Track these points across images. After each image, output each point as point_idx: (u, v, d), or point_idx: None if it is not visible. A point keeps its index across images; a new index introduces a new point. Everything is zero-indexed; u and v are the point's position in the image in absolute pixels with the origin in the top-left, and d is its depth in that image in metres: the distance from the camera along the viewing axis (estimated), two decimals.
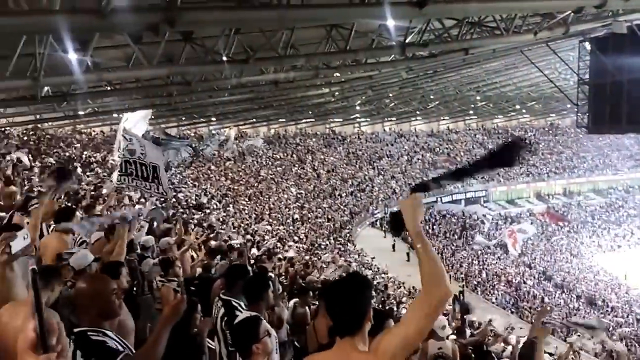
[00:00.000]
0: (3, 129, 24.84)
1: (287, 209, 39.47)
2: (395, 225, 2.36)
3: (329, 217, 40.68)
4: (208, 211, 27.45)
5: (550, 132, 62.47)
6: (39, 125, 27.86)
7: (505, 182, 52.92)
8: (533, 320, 11.10)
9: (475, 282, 35.68)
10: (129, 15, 7.59)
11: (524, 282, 36.71)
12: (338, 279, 2.46)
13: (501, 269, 38.46)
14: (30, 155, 17.17)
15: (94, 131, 35.16)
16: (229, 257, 8.64)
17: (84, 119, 27.68)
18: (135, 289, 5.69)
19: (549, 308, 14.25)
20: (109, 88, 18.27)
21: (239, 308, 4.32)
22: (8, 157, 14.11)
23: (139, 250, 6.59)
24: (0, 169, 12.18)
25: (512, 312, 31.25)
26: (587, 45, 22.63)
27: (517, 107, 49.36)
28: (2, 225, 5.42)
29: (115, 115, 26.01)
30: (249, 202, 38.01)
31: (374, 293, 3.09)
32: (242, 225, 29.49)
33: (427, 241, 2.18)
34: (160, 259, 6.04)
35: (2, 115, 22.90)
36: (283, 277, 12.89)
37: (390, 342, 2.05)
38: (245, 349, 3.19)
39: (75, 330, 2.62)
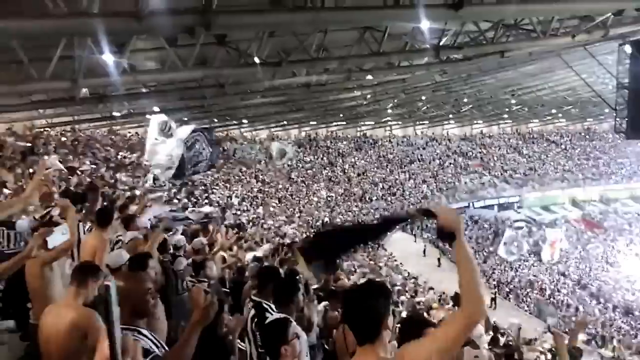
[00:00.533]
0: (42, 129, 25.54)
1: (317, 212, 39.48)
2: (443, 233, 2.28)
3: (359, 220, 40.51)
4: (239, 213, 27.68)
5: (587, 137, 60.98)
6: (76, 127, 28.56)
7: (540, 188, 51.82)
8: (569, 330, 10.83)
9: (508, 290, 35.01)
10: (165, 18, 7.71)
11: (558, 291, 35.85)
12: (354, 286, 2.44)
13: (534, 276, 37.65)
14: (69, 156, 17.58)
15: (129, 132, 35.86)
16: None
17: (120, 121, 28.26)
18: (168, 288, 5.76)
19: (587, 320, 13.87)
20: (144, 90, 18.61)
21: (269, 310, 4.32)
22: (45, 157, 14.46)
23: (171, 250, 6.66)
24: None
25: (545, 321, 30.52)
26: (627, 49, 21.97)
27: (553, 111, 48.43)
28: (41, 222, 5.55)
29: (149, 117, 26.47)
30: (279, 205, 38.17)
31: (391, 301, 3.04)
32: (273, 227, 29.61)
33: (469, 250, 2.12)
34: (192, 259, 6.09)
35: (42, 116, 23.53)
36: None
37: (419, 354, 2.02)
38: (274, 350, 3.22)
39: None
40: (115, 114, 25.26)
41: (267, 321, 3.63)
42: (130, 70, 13.98)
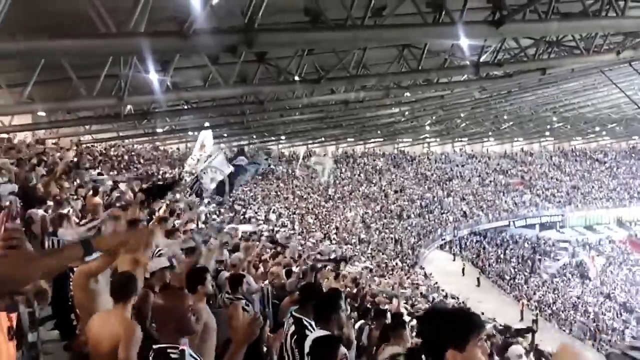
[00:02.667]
0: (88, 145, 26.35)
1: (353, 228, 39.33)
2: None
3: (396, 238, 40.15)
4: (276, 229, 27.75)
5: (633, 155, 58.98)
6: (120, 142, 29.36)
7: (583, 207, 50.32)
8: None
9: (550, 311, 33.99)
10: (209, 37, 7.90)
11: (603, 314, 34.56)
12: (429, 309, 2.41)
13: (577, 298, 36.44)
14: (112, 171, 18.04)
15: (170, 148, 36.65)
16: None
17: (162, 136, 28.94)
18: (211, 301, 5.80)
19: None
20: (186, 107, 19.04)
21: (309, 327, 4.29)
22: (92, 172, 14.89)
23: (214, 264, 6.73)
24: (85, 183, 12.86)
25: (592, 345, 29.44)
26: None
27: (597, 128, 47.24)
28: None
29: (190, 133, 27.08)
30: (316, 220, 38.20)
31: (472, 333, 2.90)
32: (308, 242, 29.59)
33: None
34: (230, 275, 6.12)
35: (87, 132, 24.32)
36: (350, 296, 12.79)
37: None
38: None
39: (155, 346, 2.65)
40: (158, 130, 25.88)
41: (315, 336, 3.62)
42: (173, 87, 14.34)
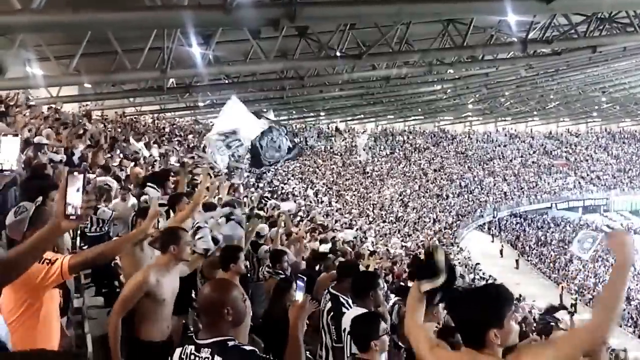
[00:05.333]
0: (133, 117, 26.90)
1: (390, 207, 39.16)
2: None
3: (434, 217, 39.80)
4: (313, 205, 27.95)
5: None
6: (163, 115, 29.86)
7: (630, 191, 48.62)
8: None
9: (590, 296, 33.23)
10: (251, 11, 7.87)
11: None
12: (468, 288, 2.37)
13: None
14: (155, 143, 18.36)
15: (211, 122, 37.03)
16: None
17: (203, 110, 29.25)
18: (250, 274, 5.88)
19: None
20: (227, 81, 19.16)
21: (346, 305, 4.30)
22: (136, 144, 15.18)
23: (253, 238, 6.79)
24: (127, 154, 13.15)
25: (633, 332, 28.73)
26: None
27: None
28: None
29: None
30: (353, 197, 38.19)
31: (506, 310, 2.82)
32: (347, 219, 29.68)
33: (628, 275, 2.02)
34: (272, 250, 6.16)
35: (131, 104, 24.80)
36: (384, 274, 12.80)
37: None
38: (364, 344, 3.25)
39: (211, 340, 2.40)
40: (199, 103, 26.18)
41: (355, 314, 3.64)
42: (215, 61, 14.44)
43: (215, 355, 2.33)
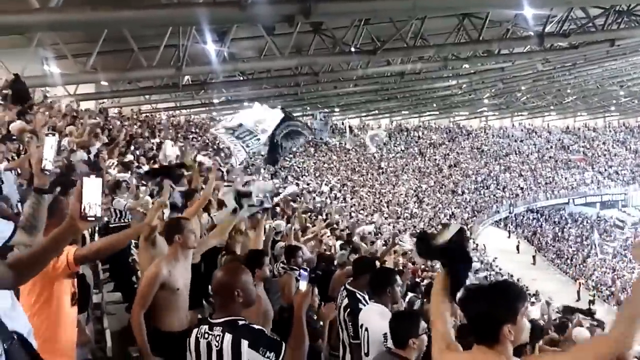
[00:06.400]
0: (149, 114, 27.10)
1: (405, 203, 39.02)
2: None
3: (450, 213, 39.59)
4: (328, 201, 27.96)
5: None
6: (178, 112, 30.02)
7: None
8: None
9: (608, 292, 32.85)
10: (266, 7, 7.88)
11: None
12: (478, 284, 2.35)
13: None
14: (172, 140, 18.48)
15: (225, 119, 37.12)
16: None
17: (218, 107, 29.37)
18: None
19: None
20: (241, 78, 19.22)
21: (363, 301, 4.29)
22: (152, 140, 15.31)
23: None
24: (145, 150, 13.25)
25: None
26: None
27: None
28: None
29: (245, 104, 27.37)
30: (368, 193, 38.11)
31: (521, 306, 2.79)
32: (361, 215, 29.64)
33: None
34: (287, 246, 6.17)
35: (148, 101, 24.99)
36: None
37: None
38: (403, 341, 3.26)
39: (223, 319, 2.60)
40: (214, 100, 26.29)
41: (395, 312, 3.66)
42: (230, 58, 14.50)
43: (226, 333, 2.54)
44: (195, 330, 2.68)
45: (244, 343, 2.49)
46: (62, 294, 3.02)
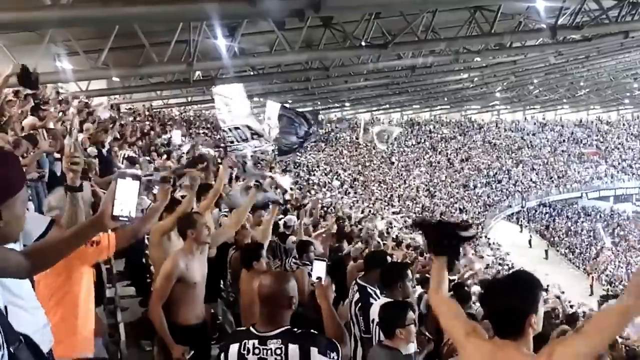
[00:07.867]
0: (159, 110, 27.22)
1: (417, 197, 38.91)
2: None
3: (461, 207, 39.42)
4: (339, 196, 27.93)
5: None
6: (189, 107, 30.14)
7: None
8: None
9: (622, 287, 32.59)
10: (276, 2, 7.87)
11: None
12: (500, 277, 2.34)
13: None
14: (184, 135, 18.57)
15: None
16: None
17: None
18: (278, 266, 5.92)
19: None
20: (252, 73, 19.23)
21: (374, 295, 4.29)
22: (164, 136, 15.39)
23: (281, 229, 6.83)
24: (156, 146, 13.32)
25: None
26: None
27: None
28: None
29: (255, 99, 27.38)
30: (379, 188, 38.04)
31: (539, 297, 2.74)
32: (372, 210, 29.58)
33: None
34: (299, 241, 6.18)
35: (159, 97, 25.09)
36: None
37: (568, 353, 1.89)
38: (389, 331, 3.30)
39: (279, 331, 2.45)
40: None
41: (383, 302, 3.69)
42: (240, 53, 14.51)
43: (289, 344, 2.38)
44: (234, 346, 2.46)
45: (314, 350, 2.38)
46: (80, 286, 3.03)
